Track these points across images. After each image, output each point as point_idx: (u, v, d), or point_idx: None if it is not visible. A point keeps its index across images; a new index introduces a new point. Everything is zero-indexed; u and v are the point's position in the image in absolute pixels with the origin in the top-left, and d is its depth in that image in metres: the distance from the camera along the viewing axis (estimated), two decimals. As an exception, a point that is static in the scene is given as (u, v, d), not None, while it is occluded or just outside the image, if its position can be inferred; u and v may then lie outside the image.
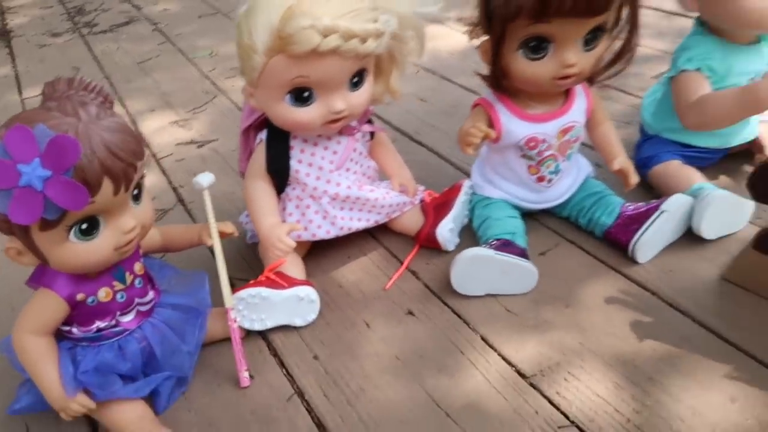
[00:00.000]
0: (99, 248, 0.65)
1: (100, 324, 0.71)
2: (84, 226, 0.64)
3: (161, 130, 1.46)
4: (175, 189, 1.22)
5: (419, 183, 1.05)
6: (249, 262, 0.97)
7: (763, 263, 0.77)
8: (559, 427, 0.67)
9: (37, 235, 0.63)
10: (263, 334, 0.85)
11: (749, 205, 0.87)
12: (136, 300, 0.74)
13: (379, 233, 1.00)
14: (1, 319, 0.92)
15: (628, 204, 0.90)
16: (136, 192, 0.68)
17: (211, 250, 0.81)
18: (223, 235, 0.80)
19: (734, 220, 0.87)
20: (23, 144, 0.57)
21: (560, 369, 0.74)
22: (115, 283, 0.71)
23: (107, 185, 0.62)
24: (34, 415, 0.77)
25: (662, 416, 0.67)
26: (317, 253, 0.96)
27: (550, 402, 0.70)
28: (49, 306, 0.68)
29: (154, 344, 0.75)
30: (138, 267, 0.74)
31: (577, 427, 0.67)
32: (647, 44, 1.52)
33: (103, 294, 0.70)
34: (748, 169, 1.00)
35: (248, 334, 0.84)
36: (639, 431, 0.66)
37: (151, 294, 0.76)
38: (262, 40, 0.71)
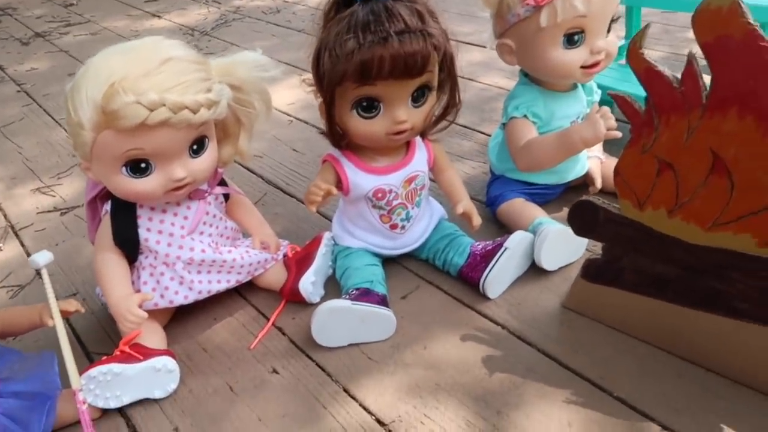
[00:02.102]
0: None
1: (-77, 427, 0.67)
2: None
3: (21, 199, 1.39)
4: (33, 262, 1.16)
5: (289, 235, 1.06)
6: (110, 335, 0.94)
7: (591, 290, 0.84)
8: (414, 472, 0.69)
9: None
10: (122, 410, 0.82)
11: (583, 236, 0.95)
12: (-32, 396, 0.70)
13: (246, 290, 1.00)
14: None
15: (477, 243, 0.95)
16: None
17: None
18: (66, 313, 0.78)
19: (571, 250, 0.95)
20: None
21: (417, 412, 0.76)
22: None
23: None
24: None
25: (508, 448, 0.71)
26: (182, 317, 0.95)
27: (406, 448, 0.72)
28: None
29: (-8, 439, 0.70)
30: (-30, 361, 0.70)
31: (430, 469, 0.70)
32: (501, 84, 1.64)
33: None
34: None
35: (105, 412, 0.81)
36: (487, 466, 0.69)
37: (-14, 387, 0.72)
38: (88, 117, 0.71)
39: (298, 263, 0.96)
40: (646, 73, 0.65)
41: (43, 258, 0.76)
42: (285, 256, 0.99)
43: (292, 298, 0.95)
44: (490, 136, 1.39)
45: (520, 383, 0.79)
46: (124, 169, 0.76)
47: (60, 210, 1.32)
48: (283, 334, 0.92)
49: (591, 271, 0.83)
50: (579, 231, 0.81)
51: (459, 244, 0.96)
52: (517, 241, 0.91)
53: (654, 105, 0.66)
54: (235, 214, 0.96)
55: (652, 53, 0.66)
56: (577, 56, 0.91)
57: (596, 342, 0.83)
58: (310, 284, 0.93)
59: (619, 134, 0.86)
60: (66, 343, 0.76)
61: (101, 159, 0.75)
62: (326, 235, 0.99)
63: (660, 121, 0.67)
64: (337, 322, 0.85)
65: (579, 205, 0.79)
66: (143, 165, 0.76)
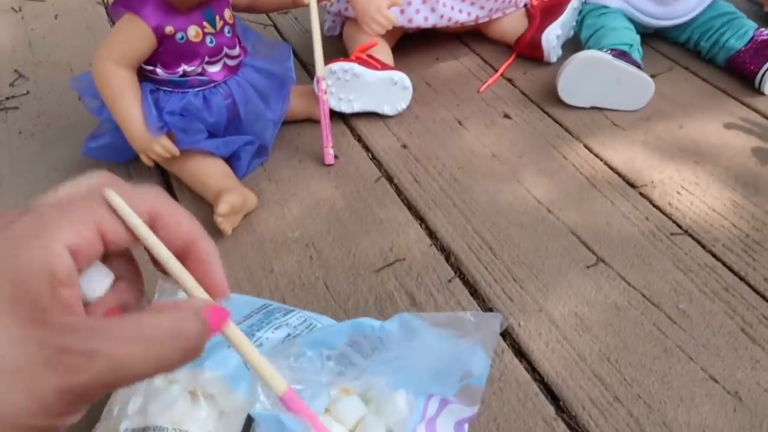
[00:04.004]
0: (197, -33, 0.58)
1: (186, 67, 0.65)
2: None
3: None
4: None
5: None
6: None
7: None
8: (672, 234, 0.63)
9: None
10: (346, 120, 0.79)
11: None
12: (225, 50, 0.67)
13: (470, 40, 0.91)
14: (62, 80, 0.87)
15: (762, 29, 0.80)
16: None
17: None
18: (319, -3, 0.72)
19: None
20: None
21: (672, 182, 0.68)
22: (205, 24, 0.64)
23: None
24: (103, 166, 0.73)
25: (786, 236, 0.62)
26: (402, 50, 0.88)
27: (661, 211, 0.65)
28: (135, 34, 0.62)
29: (239, 103, 0.69)
30: (228, 14, 0.67)
31: (691, 235, 0.62)
32: None
33: (193, 33, 0.63)
34: None
35: (331, 117, 0.78)
36: (759, 246, 0.61)
37: (238, 49, 0.69)
38: None
39: (544, 12, 0.85)
40: None
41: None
42: (527, 4, 0.88)
43: (527, 51, 0.86)
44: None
45: (801, 180, 0.68)
46: None
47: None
48: (514, 85, 0.84)
49: None
50: None
51: (740, 26, 0.81)
52: (823, 29, 0.75)
53: None
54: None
55: None
56: None
57: None
58: (555, 36, 0.82)
59: None
60: (317, 28, 0.71)
61: None
62: (579, -10, 0.86)
63: None
64: (591, 76, 0.75)
65: None
66: None
